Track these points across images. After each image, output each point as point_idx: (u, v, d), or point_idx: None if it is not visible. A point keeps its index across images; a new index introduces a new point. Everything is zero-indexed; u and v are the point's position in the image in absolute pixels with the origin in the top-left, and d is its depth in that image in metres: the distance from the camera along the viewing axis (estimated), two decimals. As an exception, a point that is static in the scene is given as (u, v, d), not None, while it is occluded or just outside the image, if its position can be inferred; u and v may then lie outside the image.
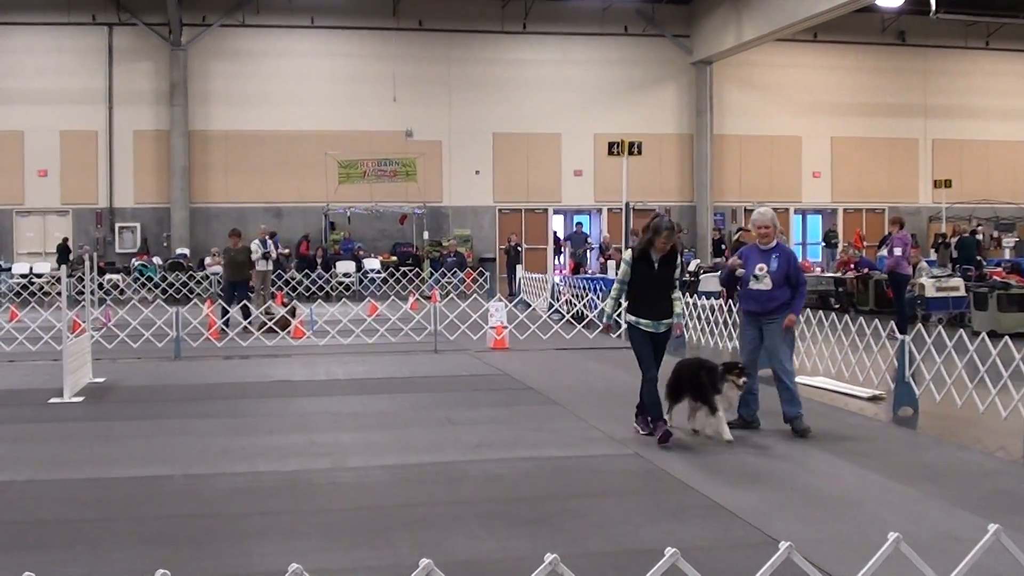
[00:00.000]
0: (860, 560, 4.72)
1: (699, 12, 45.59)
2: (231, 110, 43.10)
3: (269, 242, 30.03)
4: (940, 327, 16.54)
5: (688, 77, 46.78)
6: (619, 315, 14.50)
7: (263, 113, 43.11)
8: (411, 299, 30.60)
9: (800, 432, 12.44)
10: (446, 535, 8.48)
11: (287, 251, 40.50)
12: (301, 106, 43.30)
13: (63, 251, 40.63)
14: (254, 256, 28.75)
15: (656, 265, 11.97)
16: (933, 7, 39.79)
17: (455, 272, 40.63)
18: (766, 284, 12.74)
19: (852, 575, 4.60)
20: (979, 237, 35.83)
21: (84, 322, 19.29)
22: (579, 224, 42.84)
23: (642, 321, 12.11)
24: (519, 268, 37.41)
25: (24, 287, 37.69)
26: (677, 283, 12.19)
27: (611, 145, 29.19)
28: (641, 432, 12.41)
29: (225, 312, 24.20)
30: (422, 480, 10.48)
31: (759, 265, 12.73)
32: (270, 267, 30.39)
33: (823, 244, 47.89)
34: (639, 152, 28.56)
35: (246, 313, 24.93)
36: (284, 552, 8.04)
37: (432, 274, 40.62)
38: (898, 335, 14.83)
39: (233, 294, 25.65)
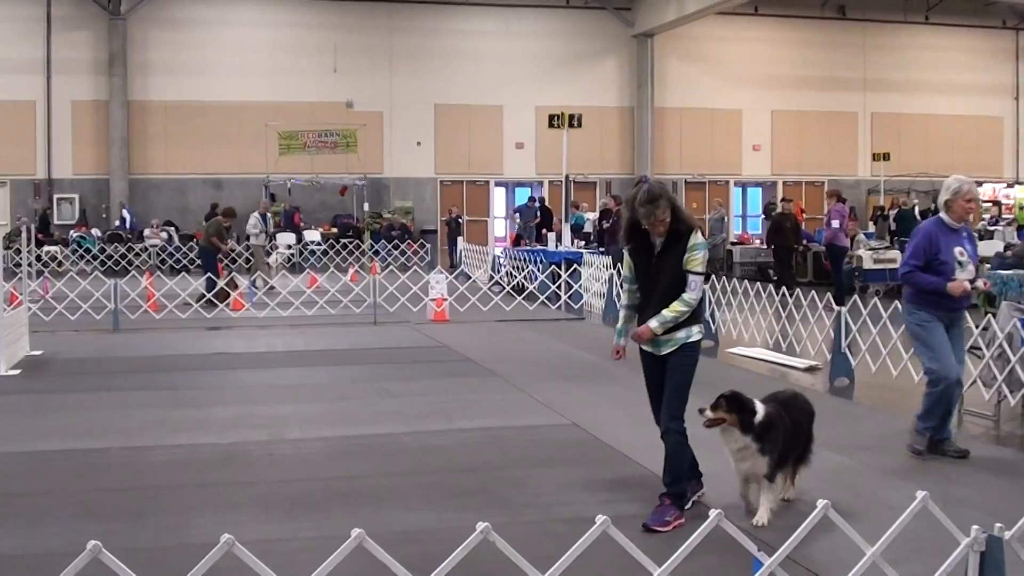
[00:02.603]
0: (792, 529, 4.79)
1: (641, -16, 45.65)
2: (171, 80, 42.62)
3: (268, 217, 29.94)
4: (876, 299, 16.73)
5: (630, 50, 46.79)
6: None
7: (203, 83, 42.68)
8: (351, 271, 30.52)
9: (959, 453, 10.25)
10: (384, 506, 8.52)
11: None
12: (241, 76, 42.91)
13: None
14: (253, 230, 28.72)
15: (657, 251, 8.13)
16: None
17: (396, 244, 40.51)
18: (969, 272, 10.19)
19: (784, 543, 4.66)
20: (916, 210, 36.10)
21: (21, 294, 19.13)
22: (532, 198, 42.72)
23: (627, 329, 8.50)
24: (460, 240, 37.38)
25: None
26: (687, 283, 7.95)
27: (551, 118, 29.23)
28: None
29: (214, 283, 23.99)
30: (360, 452, 10.50)
31: (957, 249, 10.22)
32: (264, 241, 30.24)
33: (763, 216, 48.16)
34: (579, 125, 28.59)
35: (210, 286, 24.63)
36: (221, 523, 8.00)
37: (372, 246, 40.48)
38: (835, 306, 14.99)
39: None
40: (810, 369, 15.29)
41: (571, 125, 28.21)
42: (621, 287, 8.86)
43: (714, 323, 18.21)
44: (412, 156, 45.02)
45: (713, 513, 4.46)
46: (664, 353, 8.12)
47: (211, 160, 42.96)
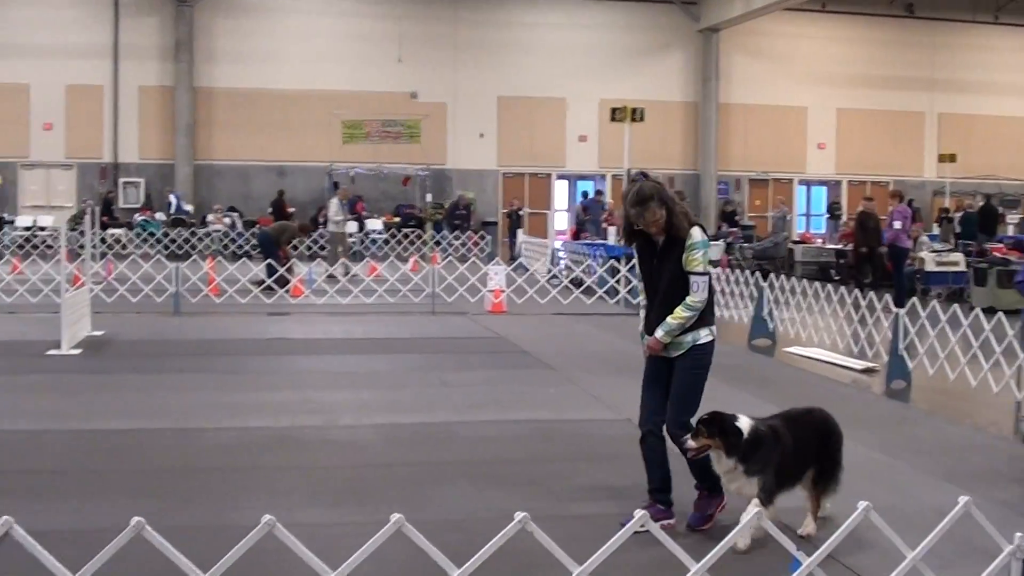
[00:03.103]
0: (834, 530, 4.78)
1: (708, -21, 45.45)
2: (236, 68, 42.96)
3: (345, 204, 30.14)
4: (935, 301, 16.58)
5: (695, 44, 46.60)
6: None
7: (268, 71, 42.96)
8: (411, 260, 30.63)
9: None
10: (433, 494, 8.57)
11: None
12: (306, 65, 43.13)
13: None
14: (335, 217, 28.93)
15: (658, 252, 7.78)
16: (942, -20, 39.61)
17: (463, 228, 40.41)
18: None
19: (824, 544, 4.65)
20: (973, 210, 35.81)
21: (84, 276, 19.36)
22: (599, 191, 42.52)
23: (647, 337, 7.95)
24: (520, 232, 37.39)
25: (27, 240, 37.70)
26: (690, 284, 7.59)
27: (614, 111, 29.18)
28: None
29: (274, 269, 24.14)
30: (412, 440, 10.56)
31: None
32: (345, 228, 30.39)
33: (827, 216, 47.86)
34: (641, 119, 28.54)
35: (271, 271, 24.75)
36: (270, 507, 8.06)
37: (434, 236, 40.58)
38: (893, 308, 14.87)
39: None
40: (867, 371, 15.16)
41: (633, 119, 28.16)
42: (639, 286, 8.26)
43: (772, 322, 18.11)
44: (475, 147, 45.13)
45: (753, 510, 4.46)
46: (672, 356, 7.75)
47: (275, 147, 43.24)
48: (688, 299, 7.55)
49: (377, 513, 7.91)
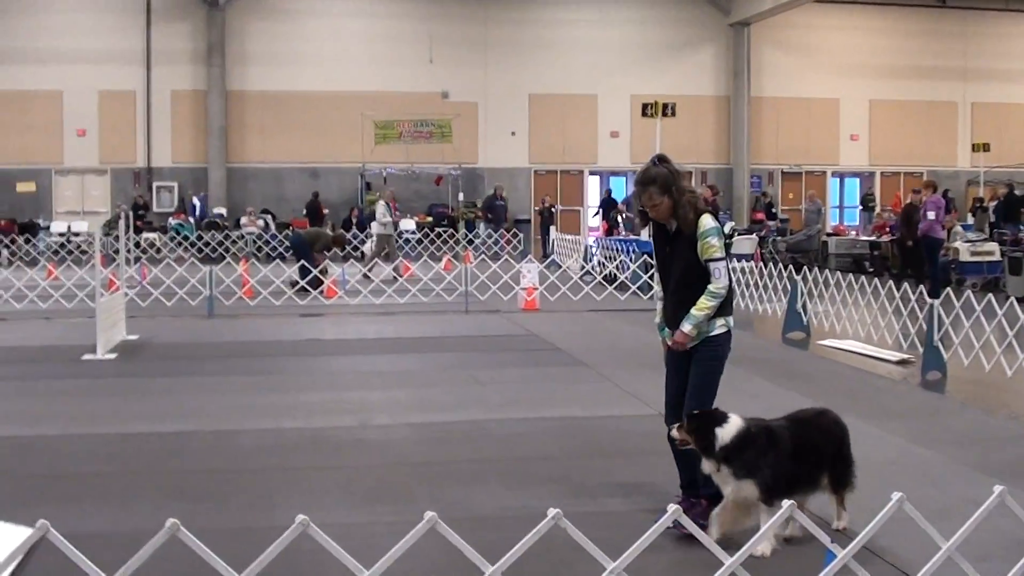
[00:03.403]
0: (867, 523, 4.76)
1: (737, -27, 45.33)
2: (268, 70, 43.15)
3: (392, 207, 30.23)
4: (969, 291, 16.50)
5: (726, 38, 46.48)
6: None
7: (299, 73, 43.14)
8: (444, 259, 30.67)
9: None
10: (467, 492, 8.58)
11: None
12: (337, 67, 43.29)
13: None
14: (383, 219, 29.03)
15: (670, 238, 7.63)
16: (974, -31, 39.40)
17: (496, 227, 40.29)
18: None
19: (859, 535, 4.64)
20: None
21: (119, 280, 19.47)
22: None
23: (665, 330, 7.88)
24: (552, 229, 37.38)
25: (62, 245, 37.95)
26: (711, 273, 7.41)
27: (645, 107, 29.17)
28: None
29: (307, 271, 24.18)
30: (446, 438, 10.57)
31: None
32: (392, 230, 30.50)
33: (860, 207, 47.63)
34: (673, 114, 28.52)
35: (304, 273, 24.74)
36: (305, 507, 8.08)
37: (467, 235, 40.63)
38: (927, 299, 14.79)
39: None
40: (902, 362, 15.08)
41: (664, 114, 28.15)
42: (656, 277, 8.16)
43: (806, 315, 18.04)
44: (506, 146, 45.18)
45: (786, 503, 4.45)
46: (688, 347, 7.60)
47: (307, 149, 43.42)
48: (710, 287, 7.40)
49: (410, 512, 7.93)
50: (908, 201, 27.21)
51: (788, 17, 45.26)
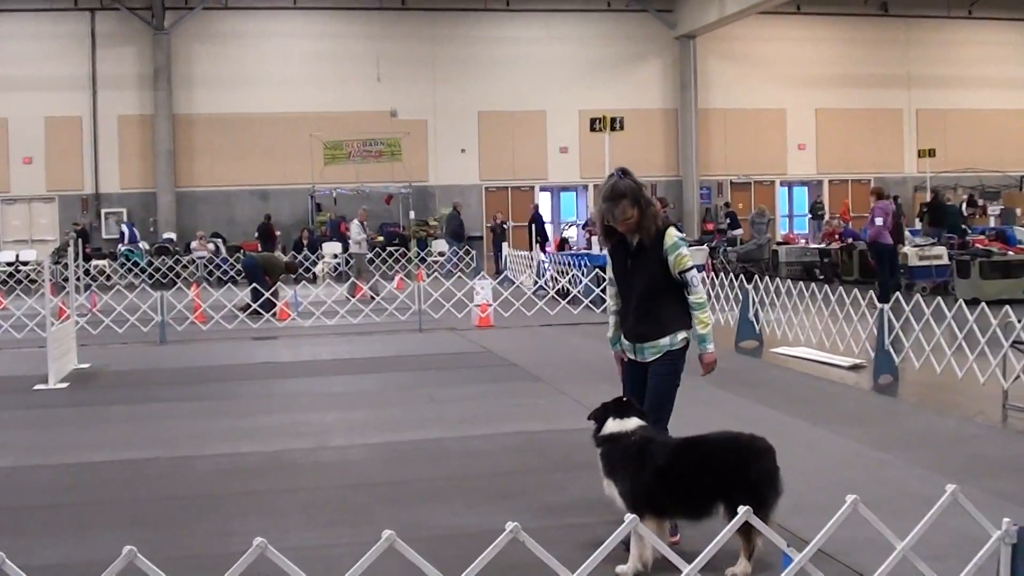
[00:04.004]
0: (823, 525, 4.81)
1: (682, -14, 45.60)
2: (215, 93, 43.03)
3: (366, 225, 30.08)
4: (918, 295, 16.67)
5: (672, 52, 46.75)
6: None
7: (247, 96, 43.05)
8: (397, 279, 30.64)
9: None
10: (427, 511, 8.57)
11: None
12: (285, 88, 43.22)
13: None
14: (357, 237, 28.87)
15: (632, 252, 7.63)
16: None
17: (458, 244, 40.10)
18: None
19: (815, 538, 4.68)
20: (953, 203, 35.81)
21: (69, 308, 19.33)
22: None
23: (623, 343, 7.87)
24: (505, 246, 37.43)
25: (10, 275, 37.58)
26: (689, 284, 7.52)
27: (593, 121, 29.22)
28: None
29: (259, 294, 24.08)
30: (404, 457, 10.57)
31: None
32: (367, 250, 30.28)
33: (809, 216, 47.99)
34: (621, 128, 28.58)
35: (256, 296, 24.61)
36: (264, 531, 8.07)
37: (418, 253, 40.62)
38: (877, 304, 14.93)
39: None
40: (854, 367, 15.22)
41: (613, 128, 28.19)
42: (608, 291, 8.12)
43: (758, 323, 18.17)
44: (457, 163, 45.26)
45: (742, 510, 4.48)
46: (648, 360, 7.64)
47: (257, 172, 43.31)
48: (693, 299, 7.50)
49: (370, 532, 7.90)
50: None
51: (733, 29, 45.58)
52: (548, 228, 42.81)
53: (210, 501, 9.15)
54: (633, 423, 7.01)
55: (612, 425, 7.02)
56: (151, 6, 41.78)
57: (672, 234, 7.52)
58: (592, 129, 29.33)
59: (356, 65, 43.87)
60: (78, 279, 30.90)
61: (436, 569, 4.42)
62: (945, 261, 26.38)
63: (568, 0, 45.52)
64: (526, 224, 38.43)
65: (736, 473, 6.58)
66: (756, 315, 18.16)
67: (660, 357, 7.59)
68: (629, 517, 4.95)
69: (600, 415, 7.17)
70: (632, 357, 7.77)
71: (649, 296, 7.53)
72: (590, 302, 23.80)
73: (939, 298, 15.04)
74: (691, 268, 7.50)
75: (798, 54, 47.56)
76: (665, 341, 7.56)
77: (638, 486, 6.75)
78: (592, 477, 9.43)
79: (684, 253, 7.50)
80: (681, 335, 7.57)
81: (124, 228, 41.38)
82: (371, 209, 42.87)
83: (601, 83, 45.50)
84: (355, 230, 29.39)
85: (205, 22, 43.02)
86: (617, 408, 7.13)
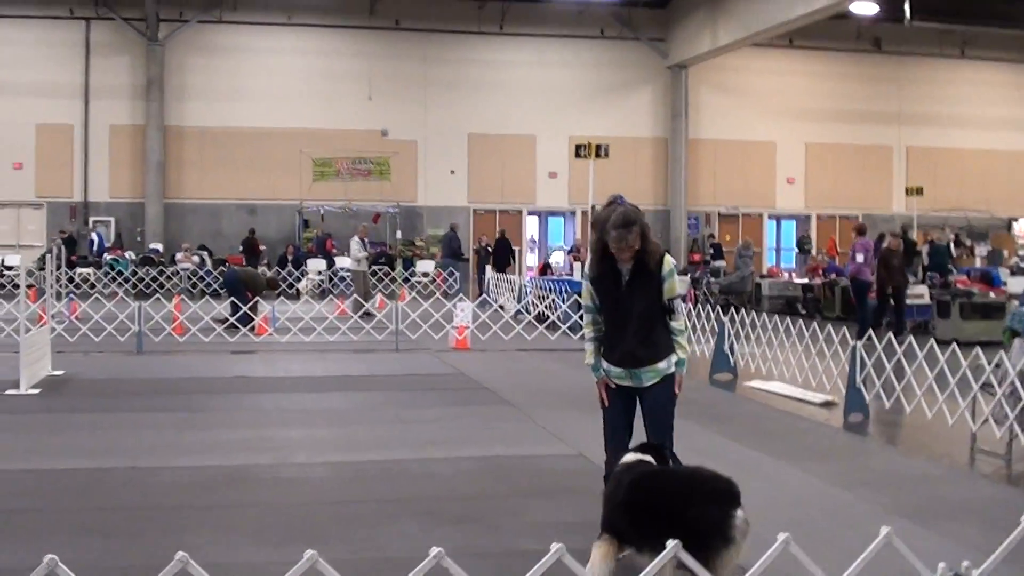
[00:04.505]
0: (806, 559, 4.81)
1: (675, 16, 45.69)
2: (207, 106, 43.07)
3: (367, 241, 29.88)
4: (889, 333, 16.69)
5: (664, 81, 46.88)
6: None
7: (239, 110, 43.10)
8: (378, 298, 30.63)
9: None
10: (378, 532, 8.54)
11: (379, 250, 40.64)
12: (277, 103, 43.27)
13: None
14: (358, 254, 28.73)
15: (626, 279, 7.67)
16: (908, 15, 39.95)
17: (455, 263, 39.78)
18: None
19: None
20: (941, 242, 35.86)
21: (47, 315, 19.30)
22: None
23: (612, 370, 7.88)
24: (488, 268, 37.43)
25: (-6, 280, 37.53)
26: (675, 311, 7.72)
27: (578, 148, 29.26)
28: None
29: (238, 308, 24.02)
30: (363, 477, 10.54)
31: None
32: (367, 267, 30.30)
33: (796, 250, 48.08)
34: (606, 155, 28.63)
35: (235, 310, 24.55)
36: (215, 545, 8.12)
37: (403, 273, 40.61)
38: (850, 341, 14.93)
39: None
40: (826, 404, 15.22)
41: (598, 155, 28.25)
42: (582, 318, 8.27)
43: (733, 356, 18.17)
44: (445, 184, 45.30)
45: (670, 543, 4.48)
46: (647, 385, 7.74)
47: (245, 186, 43.32)
48: (676, 325, 7.69)
49: (323, 552, 7.85)
50: (885, 245, 26.68)
51: (725, 60, 45.70)
52: (518, 252, 42.76)
53: (166, 513, 9.11)
54: (633, 457, 7.08)
55: (626, 457, 7.11)
56: (146, 17, 41.80)
57: (669, 260, 7.71)
58: (577, 155, 29.37)
59: (348, 83, 43.95)
60: (63, 286, 30.84)
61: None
62: (927, 301, 26.40)
63: (561, 26, 45.58)
64: (493, 249, 38.71)
65: (683, 512, 6.33)
66: (731, 348, 18.17)
67: (659, 381, 7.72)
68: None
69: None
70: (621, 383, 7.82)
71: (649, 322, 7.64)
72: (568, 328, 23.80)
73: (911, 337, 15.05)
74: (678, 295, 7.73)
75: (790, 87, 47.71)
76: (663, 365, 7.70)
77: (605, 509, 6.79)
78: (549, 504, 9.48)
79: (676, 280, 7.73)
80: (674, 358, 7.73)
81: (94, 236, 41.30)
82: (358, 227, 43.05)
83: (592, 109, 45.61)
84: (355, 247, 29.25)
85: (199, 35, 43.08)
86: (642, 446, 7.27)
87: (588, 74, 46.35)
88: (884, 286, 25.00)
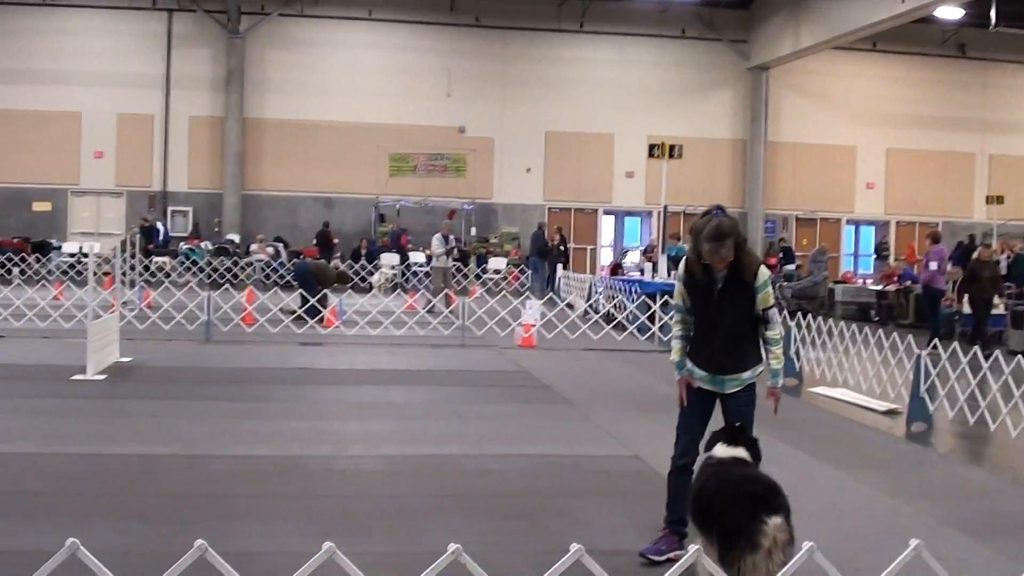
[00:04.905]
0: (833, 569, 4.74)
1: (757, 17, 45.38)
2: (285, 99, 43.44)
3: (451, 238, 29.94)
4: (955, 343, 16.43)
5: (744, 82, 46.58)
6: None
7: (317, 103, 43.41)
8: (449, 294, 30.67)
9: None
10: (425, 526, 8.53)
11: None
12: (355, 98, 43.54)
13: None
14: (438, 250, 28.83)
15: (720, 287, 7.67)
16: (993, 20, 39.37)
17: (542, 261, 39.29)
18: None
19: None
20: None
21: (118, 303, 19.53)
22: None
23: (696, 372, 7.91)
24: (559, 267, 37.35)
25: (71, 266, 38.04)
26: (770, 320, 7.71)
27: (652, 147, 29.08)
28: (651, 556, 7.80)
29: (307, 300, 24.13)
30: (416, 472, 10.54)
31: None
32: (450, 263, 30.31)
33: (874, 256, 47.57)
34: (680, 155, 28.43)
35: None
36: (263, 534, 8.16)
37: (475, 270, 40.67)
38: (915, 349, 14.72)
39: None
40: (890, 412, 15.01)
41: (671, 155, 28.06)
42: (671, 318, 8.31)
43: (799, 361, 17.99)
44: (521, 182, 45.30)
45: (692, 547, 4.42)
46: (729, 392, 7.77)
47: (322, 179, 43.61)
48: (771, 334, 7.70)
49: (367, 544, 7.98)
50: (976, 256, 26.06)
51: (807, 63, 45.34)
52: (591, 252, 42.49)
53: (216, 501, 9.20)
54: (728, 453, 7.05)
55: (719, 450, 7.09)
56: (227, 10, 42.28)
57: (764, 271, 7.66)
58: (651, 155, 29.19)
59: (426, 79, 44.11)
60: (138, 275, 31.28)
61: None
62: (1002, 311, 25.97)
63: (642, 25, 45.44)
64: (585, 247, 38.44)
65: (723, 512, 6.44)
66: (797, 353, 17.98)
67: (743, 389, 7.77)
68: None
69: (711, 442, 7.23)
70: (704, 386, 7.85)
71: (739, 330, 7.68)
72: (636, 329, 23.69)
73: (976, 347, 14.80)
74: (773, 305, 7.71)
75: (872, 91, 47.19)
76: (747, 374, 7.75)
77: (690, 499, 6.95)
78: (599, 504, 9.42)
79: (771, 291, 7.72)
80: (759, 369, 7.80)
81: (159, 226, 41.70)
82: (434, 223, 42.94)
83: (671, 110, 45.44)
84: (436, 244, 29.17)
85: (280, 28, 43.44)
86: (729, 435, 7.18)
87: (668, 74, 46.16)
88: (974, 299, 24.35)
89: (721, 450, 7.05)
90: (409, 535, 8.25)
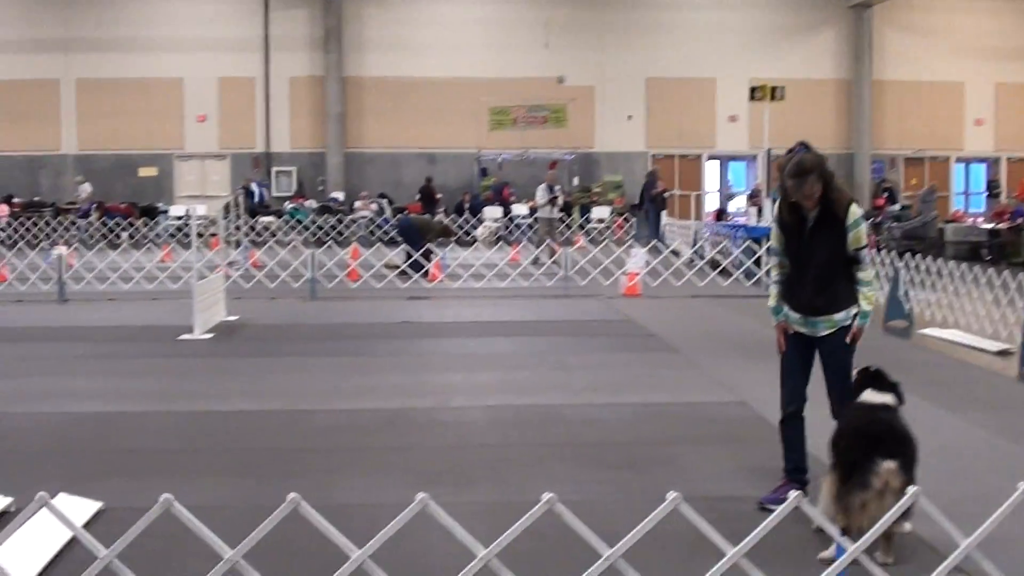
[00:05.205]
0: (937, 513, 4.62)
1: (859, -46, 44.50)
2: (384, 56, 43.46)
3: (557, 188, 29.83)
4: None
5: (846, 21, 45.65)
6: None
7: (415, 59, 43.36)
8: (554, 243, 30.59)
9: None
10: (528, 476, 8.51)
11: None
12: (453, 53, 43.42)
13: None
14: (541, 201, 28.73)
15: (811, 226, 7.48)
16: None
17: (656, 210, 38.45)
18: None
19: (931, 526, 4.49)
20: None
21: (224, 263, 19.76)
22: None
23: (791, 315, 7.74)
24: (663, 215, 37.01)
25: (178, 229, 38.49)
26: (862, 260, 7.48)
27: (753, 90, 28.72)
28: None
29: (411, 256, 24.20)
30: (519, 422, 10.53)
31: None
32: (555, 214, 30.09)
33: (986, 194, 46.54)
34: (782, 97, 28.04)
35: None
36: (365, 487, 8.22)
37: (578, 220, 40.52)
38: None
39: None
40: (1002, 353, 14.65)
41: (773, 97, 27.68)
42: (771, 260, 8.15)
43: (908, 303, 17.63)
44: (623, 130, 44.93)
45: (792, 495, 4.32)
46: (821, 334, 7.58)
47: (424, 135, 43.64)
48: (863, 275, 7.48)
49: (467, 493, 8.00)
50: None
51: (910, -1, 44.35)
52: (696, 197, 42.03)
53: (319, 455, 9.27)
54: (872, 396, 6.98)
55: (867, 395, 7.00)
56: (322, -32, 42.41)
57: (855, 210, 7.44)
58: (752, 98, 28.82)
59: (524, 31, 43.83)
60: (244, 235, 31.63)
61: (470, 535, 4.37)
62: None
63: (741, -34, 44.79)
64: (689, 193, 37.98)
65: (847, 450, 6.59)
66: (906, 294, 17.63)
67: (835, 332, 7.55)
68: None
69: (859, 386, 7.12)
70: (800, 330, 7.67)
71: (829, 270, 7.47)
72: (742, 274, 23.43)
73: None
74: (865, 246, 7.45)
75: (978, 25, 45.92)
76: (840, 315, 7.51)
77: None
78: (704, 451, 9.32)
79: (863, 231, 7.45)
80: (853, 310, 7.51)
81: (255, 188, 41.99)
82: (536, 175, 42.44)
83: (773, 51, 44.65)
84: (540, 194, 28.95)
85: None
86: (874, 379, 7.09)
87: (768, 15, 45.36)
88: None
89: (869, 395, 6.96)
90: (512, 485, 8.24)
